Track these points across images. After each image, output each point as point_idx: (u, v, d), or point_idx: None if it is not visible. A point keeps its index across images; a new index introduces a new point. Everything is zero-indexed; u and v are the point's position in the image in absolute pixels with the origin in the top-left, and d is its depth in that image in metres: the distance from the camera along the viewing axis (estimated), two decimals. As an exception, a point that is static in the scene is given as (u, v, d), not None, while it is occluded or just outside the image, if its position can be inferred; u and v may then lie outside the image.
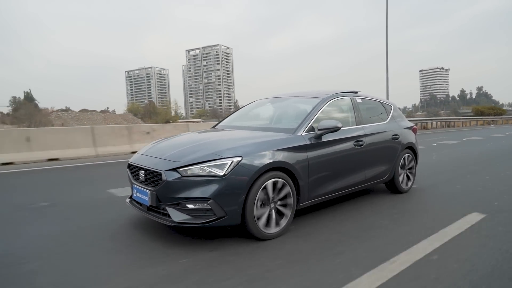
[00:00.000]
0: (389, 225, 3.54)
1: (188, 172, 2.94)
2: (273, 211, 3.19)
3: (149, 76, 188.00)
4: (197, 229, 3.36)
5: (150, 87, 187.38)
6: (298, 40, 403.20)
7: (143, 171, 3.23)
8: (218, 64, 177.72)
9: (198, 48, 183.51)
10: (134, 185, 3.37)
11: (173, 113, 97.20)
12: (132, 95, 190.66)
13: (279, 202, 3.24)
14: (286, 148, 3.31)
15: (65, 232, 3.42)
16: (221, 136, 3.76)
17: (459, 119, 35.36)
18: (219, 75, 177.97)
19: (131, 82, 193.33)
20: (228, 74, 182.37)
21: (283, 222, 3.27)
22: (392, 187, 4.86)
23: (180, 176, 2.93)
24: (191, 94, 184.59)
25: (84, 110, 69.81)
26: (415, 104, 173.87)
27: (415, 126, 5.34)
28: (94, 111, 69.55)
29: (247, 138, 3.47)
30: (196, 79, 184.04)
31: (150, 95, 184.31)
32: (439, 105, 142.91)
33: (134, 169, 3.44)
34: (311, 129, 3.63)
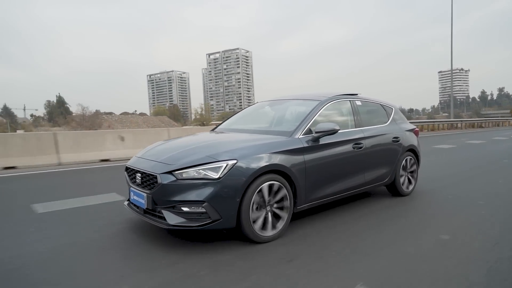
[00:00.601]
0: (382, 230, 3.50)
1: (184, 175, 2.95)
2: (269, 214, 3.18)
3: (170, 80, 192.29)
4: (195, 232, 3.35)
5: (171, 90, 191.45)
6: (310, 42, 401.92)
7: (140, 174, 3.25)
8: (238, 67, 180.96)
9: (218, 52, 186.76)
10: (131, 188, 3.39)
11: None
12: (154, 98, 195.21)
13: (275, 205, 3.23)
14: (283, 151, 3.30)
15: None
16: (217, 139, 3.76)
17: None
18: (239, 78, 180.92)
19: (153, 85, 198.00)
20: (248, 77, 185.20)
21: (280, 225, 3.25)
22: (393, 190, 4.81)
23: (175, 179, 2.94)
24: (212, 97, 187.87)
25: (124, 113, 72.26)
26: (434, 106, 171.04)
27: (416, 129, 5.29)
28: (133, 113, 71.87)
29: (243, 141, 3.46)
30: (216, 82, 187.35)
31: (172, 98, 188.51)
32: (459, 106, 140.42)
33: (131, 172, 3.45)
34: (309, 132, 3.61)
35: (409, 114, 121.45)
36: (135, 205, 3.37)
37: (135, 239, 3.28)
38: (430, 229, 3.49)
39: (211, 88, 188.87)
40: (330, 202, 3.95)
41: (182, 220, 2.95)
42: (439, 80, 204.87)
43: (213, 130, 4.61)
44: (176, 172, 2.96)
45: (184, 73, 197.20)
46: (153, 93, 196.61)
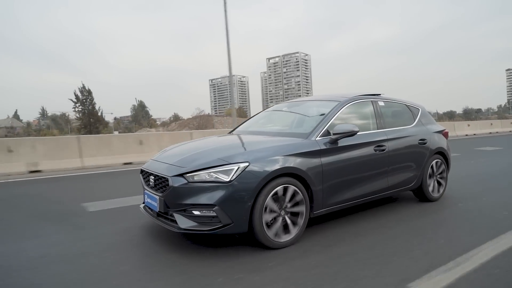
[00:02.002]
0: (413, 238, 3.29)
1: (195, 178, 2.90)
2: (283, 219, 3.07)
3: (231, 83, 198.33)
4: (207, 237, 3.29)
5: (232, 94, 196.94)
6: (357, 41, 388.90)
7: (153, 177, 3.23)
8: (298, 70, 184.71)
9: (278, 56, 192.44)
10: (146, 191, 3.38)
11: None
12: (216, 101, 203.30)
13: (290, 210, 3.11)
14: (298, 153, 3.18)
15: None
16: (232, 141, 3.70)
17: None
18: (298, 81, 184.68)
19: (214, 89, 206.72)
20: (307, 79, 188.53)
21: (295, 230, 3.13)
22: (420, 195, 4.55)
23: (186, 182, 2.90)
24: (271, 99, 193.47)
25: (218, 115, 76.88)
26: (501, 105, 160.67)
27: (446, 130, 4.99)
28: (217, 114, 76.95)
29: (257, 143, 3.38)
30: (276, 85, 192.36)
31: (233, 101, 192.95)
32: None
33: (145, 175, 3.45)
34: (327, 133, 3.47)
35: (477, 114, 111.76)
36: (149, 208, 3.36)
37: (149, 242, 3.26)
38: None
39: (271, 90, 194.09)
40: (350, 207, 3.77)
41: (193, 224, 2.89)
42: (507, 78, 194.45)
43: (230, 132, 4.55)
44: (188, 174, 2.92)
45: (244, 77, 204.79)
46: (215, 96, 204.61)
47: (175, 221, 2.96)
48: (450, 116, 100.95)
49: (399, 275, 2.46)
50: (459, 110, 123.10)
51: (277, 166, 3.00)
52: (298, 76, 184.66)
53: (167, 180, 2.98)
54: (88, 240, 3.35)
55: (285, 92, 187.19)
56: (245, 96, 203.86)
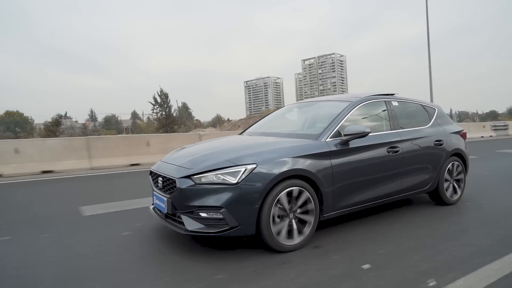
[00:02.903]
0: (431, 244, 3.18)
1: (202, 180, 2.87)
2: (292, 221, 3.01)
3: (266, 85, 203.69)
4: (216, 239, 3.26)
5: (267, 95, 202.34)
6: (384, 40, 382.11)
7: (161, 178, 3.23)
8: (334, 71, 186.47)
9: (313, 58, 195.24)
10: (154, 192, 3.38)
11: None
12: (251, 103, 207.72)
13: (299, 213, 3.05)
14: (307, 155, 3.12)
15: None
16: (240, 142, 3.66)
17: None
18: (334, 82, 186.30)
19: (249, 91, 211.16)
20: (342, 80, 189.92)
21: (304, 233, 3.07)
22: (436, 198, 4.41)
23: (193, 183, 2.88)
24: None
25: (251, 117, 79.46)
26: None
27: (464, 131, 4.82)
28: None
29: (266, 144, 3.33)
30: (311, 86, 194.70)
31: (267, 102, 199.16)
32: None
33: (154, 176, 3.45)
34: (337, 134, 3.39)
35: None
36: (158, 209, 3.36)
37: (157, 244, 3.26)
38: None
39: (306, 92, 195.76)
40: (362, 210, 3.68)
41: (200, 226, 2.87)
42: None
43: (241, 133, 4.52)
44: (195, 176, 2.90)
45: (278, 78, 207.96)
46: (249, 98, 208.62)
47: (182, 223, 2.94)
48: (493, 116, 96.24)
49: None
50: (502, 109, 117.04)
51: (285, 168, 2.94)
52: (334, 77, 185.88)
53: (175, 182, 2.97)
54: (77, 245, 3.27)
55: (321, 93, 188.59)
56: (280, 97, 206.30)
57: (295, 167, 2.99)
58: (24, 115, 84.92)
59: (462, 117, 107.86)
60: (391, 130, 3.90)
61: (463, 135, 4.77)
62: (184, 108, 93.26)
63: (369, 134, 3.44)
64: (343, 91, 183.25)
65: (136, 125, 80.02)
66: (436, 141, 4.25)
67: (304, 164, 3.06)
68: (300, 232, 3.05)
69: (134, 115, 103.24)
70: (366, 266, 2.64)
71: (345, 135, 3.35)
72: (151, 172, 3.57)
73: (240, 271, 2.61)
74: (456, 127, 4.76)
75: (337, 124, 3.46)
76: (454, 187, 4.47)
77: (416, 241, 3.15)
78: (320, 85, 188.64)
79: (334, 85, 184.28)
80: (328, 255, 2.89)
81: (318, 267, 2.65)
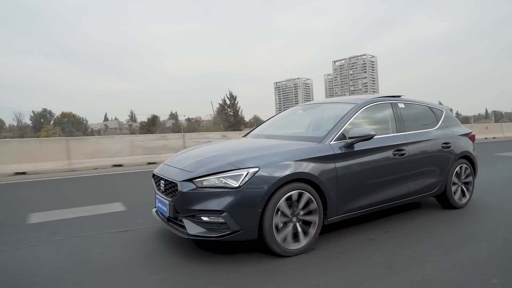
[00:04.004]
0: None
1: (204, 183, 2.84)
2: (295, 225, 2.97)
3: (296, 86, 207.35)
4: (216, 243, 3.23)
5: (297, 96, 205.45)
6: (407, 39, 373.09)
7: (163, 181, 3.21)
8: (365, 72, 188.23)
9: (344, 59, 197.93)
10: (157, 196, 3.36)
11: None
12: (280, 104, 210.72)
13: (302, 217, 3.00)
14: (310, 158, 3.07)
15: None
16: (244, 145, 3.62)
17: None
18: (365, 83, 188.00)
19: (279, 92, 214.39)
20: (373, 81, 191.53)
21: (307, 238, 3.02)
22: (444, 202, 4.32)
23: (195, 187, 2.85)
24: None
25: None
26: None
27: (472, 133, 4.73)
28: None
29: (268, 147, 3.29)
30: (342, 86, 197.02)
31: (297, 103, 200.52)
32: None
33: (157, 179, 3.43)
34: (342, 137, 3.34)
35: None
36: (161, 213, 3.33)
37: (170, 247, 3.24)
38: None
39: (336, 92, 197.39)
40: (368, 214, 3.61)
41: (202, 230, 2.84)
42: None
43: (245, 135, 4.48)
44: (196, 179, 2.87)
45: (308, 79, 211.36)
46: (279, 99, 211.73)
47: (184, 227, 2.92)
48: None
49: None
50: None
51: (288, 172, 2.90)
52: (365, 77, 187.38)
53: (177, 185, 2.94)
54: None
55: (352, 93, 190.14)
56: (309, 98, 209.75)
57: (298, 171, 2.95)
58: (77, 116, 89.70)
59: (498, 117, 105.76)
60: (397, 133, 3.83)
61: (471, 137, 4.67)
62: (222, 109, 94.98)
63: (375, 137, 3.38)
64: (374, 91, 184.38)
65: (178, 125, 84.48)
66: (443, 143, 4.17)
67: (307, 167, 3.01)
68: (303, 236, 3.00)
69: (174, 116, 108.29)
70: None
71: (349, 138, 3.29)
72: (153, 175, 3.55)
73: (240, 274, 2.58)
74: (465, 129, 4.67)
75: (342, 127, 3.41)
76: (462, 190, 4.38)
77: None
78: (351, 85, 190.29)
79: (365, 86, 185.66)
80: (329, 258, 2.84)
81: (321, 273, 2.60)
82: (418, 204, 4.60)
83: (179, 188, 2.89)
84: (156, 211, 3.51)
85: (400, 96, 4.27)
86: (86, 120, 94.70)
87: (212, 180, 2.84)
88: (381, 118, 3.90)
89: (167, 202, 3.06)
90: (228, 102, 60.20)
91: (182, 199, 2.89)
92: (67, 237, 3.54)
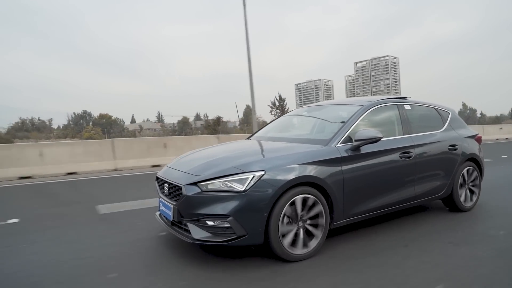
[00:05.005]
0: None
1: (209, 187, 2.80)
2: (301, 230, 2.92)
3: (317, 87, 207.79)
4: (221, 247, 3.18)
5: (318, 97, 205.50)
6: (424, 38, 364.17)
7: (167, 185, 3.16)
8: (387, 73, 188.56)
9: (366, 60, 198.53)
10: (160, 199, 3.31)
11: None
12: (301, 105, 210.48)
13: (308, 221, 2.95)
14: (317, 161, 3.02)
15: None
16: (248, 148, 3.57)
17: None
18: (388, 84, 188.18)
19: (300, 93, 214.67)
20: (396, 82, 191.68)
21: (314, 242, 2.97)
22: (451, 205, 4.26)
23: (200, 190, 2.80)
24: None
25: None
26: None
27: (479, 135, 4.67)
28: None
29: (274, 150, 3.25)
30: (364, 87, 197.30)
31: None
32: None
33: (160, 182, 3.39)
34: (348, 140, 3.29)
35: None
36: (165, 216, 3.28)
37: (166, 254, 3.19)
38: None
39: (358, 93, 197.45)
40: (374, 217, 3.56)
41: (207, 234, 2.79)
42: None
43: (249, 137, 4.43)
44: (201, 183, 2.82)
45: (329, 80, 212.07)
46: (300, 100, 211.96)
47: (189, 231, 2.87)
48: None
49: None
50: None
51: (295, 175, 2.85)
52: (387, 79, 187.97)
53: (181, 189, 2.90)
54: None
55: (373, 94, 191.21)
56: (330, 99, 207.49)
57: (305, 174, 2.90)
58: (113, 117, 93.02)
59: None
60: (403, 135, 3.78)
61: (478, 139, 4.62)
62: (249, 109, 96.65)
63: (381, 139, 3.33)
64: (396, 93, 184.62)
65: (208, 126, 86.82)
66: (450, 145, 4.12)
67: (314, 170, 2.96)
68: (309, 241, 2.95)
69: (198, 117, 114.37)
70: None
71: (356, 140, 3.24)
72: (157, 178, 3.51)
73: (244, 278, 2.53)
74: (471, 131, 4.62)
75: (348, 129, 3.36)
76: (469, 193, 4.33)
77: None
78: (373, 86, 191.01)
79: (388, 87, 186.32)
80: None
81: (330, 278, 2.55)
82: (425, 207, 4.54)
83: (184, 191, 2.84)
84: (160, 215, 3.46)
85: (406, 97, 4.22)
86: (123, 121, 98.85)
87: (217, 184, 2.79)
88: (387, 120, 3.85)
89: (171, 205, 3.01)
90: (277, 103, 67.04)
91: (187, 203, 2.84)
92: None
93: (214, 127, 50.91)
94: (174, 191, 3.03)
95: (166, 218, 3.22)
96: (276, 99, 67.94)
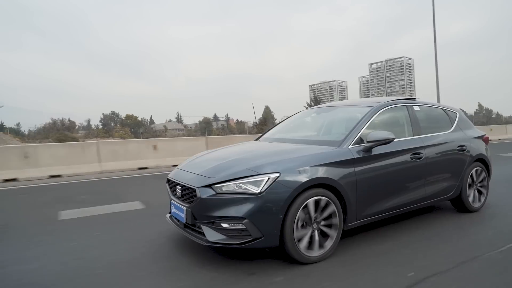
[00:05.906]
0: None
1: (223, 189, 2.78)
2: (316, 232, 2.91)
3: (331, 88, 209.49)
4: (235, 249, 3.17)
5: (332, 98, 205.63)
6: (429, 38, 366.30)
7: (180, 187, 3.14)
8: (402, 74, 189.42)
9: (381, 61, 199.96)
10: (172, 201, 3.30)
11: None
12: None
13: (323, 223, 2.95)
14: (330, 163, 3.01)
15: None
16: (261, 149, 3.56)
17: None
18: (403, 85, 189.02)
19: (314, 94, 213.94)
20: (410, 83, 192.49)
21: (328, 244, 2.96)
22: (459, 205, 4.27)
23: (214, 193, 2.78)
24: None
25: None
26: None
27: (486, 135, 4.68)
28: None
29: (287, 152, 3.23)
30: (378, 88, 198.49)
31: None
32: None
33: (172, 184, 3.37)
34: (360, 141, 3.28)
35: None
36: (176, 218, 3.27)
37: (176, 255, 3.17)
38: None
39: (373, 94, 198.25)
40: (386, 218, 3.56)
41: (222, 237, 2.78)
42: None
43: (257, 139, 4.42)
44: (216, 185, 2.80)
45: (343, 81, 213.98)
46: (315, 101, 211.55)
47: (203, 234, 2.85)
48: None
49: None
50: None
51: (309, 177, 2.84)
52: (402, 80, 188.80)
53: (195, 191, 2.88)
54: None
55: (388, 94, 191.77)
56: (344, 99, 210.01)
57: (319, 176, 2.89)
58: (138, 118, 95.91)
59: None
60: (413, 136, 3.79)
61: (485, 139, 4.63)
62: (268, 110, 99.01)
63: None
64: (411, 94, 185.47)
65: (229, 126, 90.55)
66: (459, 146, 4.13)
67: (328, 172, 2.96)
68: (324, 243, 2.94)
69: (216, 118, 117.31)
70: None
71: (368, 142, 3.23)
72: (168, 180, 3.49)
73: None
74: (478, 131, 4.63)
75: (360, 131, 3.35)
76: (477, 193, 4.34)
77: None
78: (388, 87, 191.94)
79: (403, 88, 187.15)
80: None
81: (343, 279, 2.55)
82: (432, 208, 4.55)
83: (198, 194, 2.83)
84: (171, 217, 3.45)
85: (415, 98, 4.23)
86: (148, 121, 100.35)
87: (232, 186, 2.78)
88: (397, 121, 3.86)
89: (184, 208, 2.99)
90: (312, 104, 67.86)
91: (201, 206, 2.82)
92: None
93: (261, 126, 52.33)
94: (188, 193, 3.01)
95: (178, 220, 3.20)
96: (312, 100, 69.20)
